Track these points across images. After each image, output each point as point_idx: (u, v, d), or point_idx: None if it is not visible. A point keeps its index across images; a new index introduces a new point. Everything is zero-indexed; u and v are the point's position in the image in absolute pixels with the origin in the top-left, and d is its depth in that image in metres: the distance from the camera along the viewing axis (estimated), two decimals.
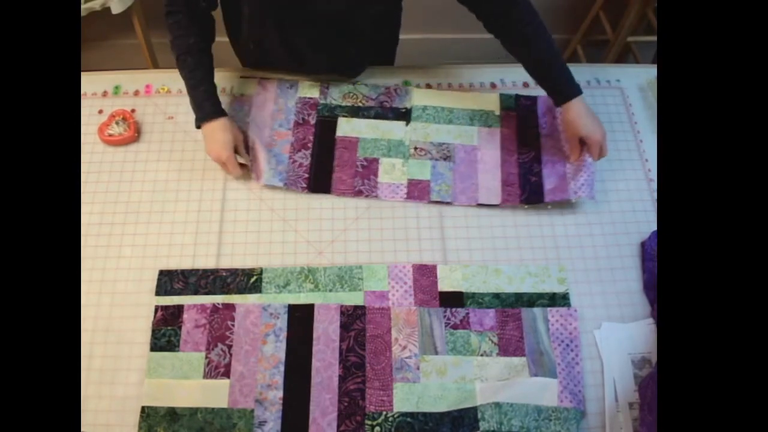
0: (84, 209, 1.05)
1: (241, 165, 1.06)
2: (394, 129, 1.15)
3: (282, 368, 0.93)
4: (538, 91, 1.14)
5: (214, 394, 0.91)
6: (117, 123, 1.12)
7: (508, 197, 1.09)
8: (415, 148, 1.12)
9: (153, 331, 0.95)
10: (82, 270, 1.00)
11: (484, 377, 0.93)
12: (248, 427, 0.89)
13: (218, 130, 1.02)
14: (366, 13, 1.06)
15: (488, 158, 1.13)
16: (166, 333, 0.95)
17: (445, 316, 0.98)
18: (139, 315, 0.97)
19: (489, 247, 1.05)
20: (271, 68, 1.19)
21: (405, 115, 1.16)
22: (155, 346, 0.94)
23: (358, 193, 1.08)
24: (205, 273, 1.00)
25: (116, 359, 0.94)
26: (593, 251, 1.05)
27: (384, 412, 0.91)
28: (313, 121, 1.15)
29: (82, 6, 1.60)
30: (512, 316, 0.98)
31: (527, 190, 1.09)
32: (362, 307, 0.98)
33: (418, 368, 0.94)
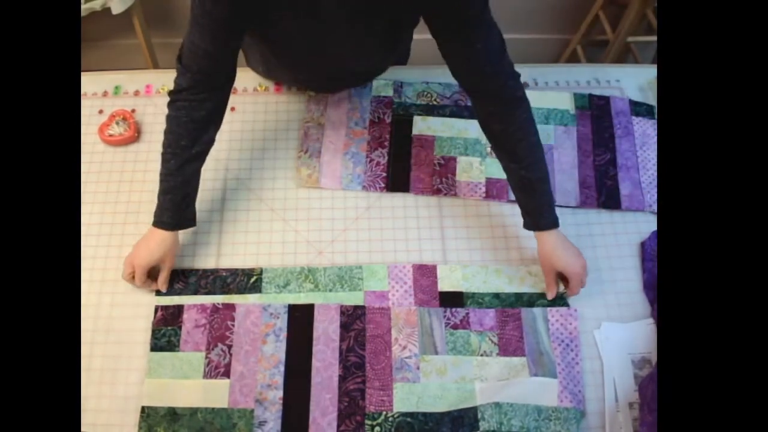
0: (84, 209, 1.05)
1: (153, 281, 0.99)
2: (469, 127, 1.14)
3: (282, 368, 0.93)
4: (610, 91, 1.16)
5: (214, 394, 0.91)
6: (117, 123, 1.12)
7: (586, 200, 1.09)
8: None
9: (153, 331, 0.95)
10: (82, 270, 1.00)
11: (484, 377, 0.93)
12: (248, 427, 0.89)
13: (156, 240, 0.93)
14: (376, 56, 1.07)
15: (565, 159, 1.12)
16: (166, 333, 0.95)
17: (445, 316, 0.98)
18: (139, 315, 0.97)
19: (489, 247, 1.05)
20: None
21: None
22: (155, 346, 0.94)
23: (437, 192, 1.09)
24: (205, 273, 1.00)
25: (116, 359, 0.94)
26: (593, 251, 1.04)
27: (384, 412, 0.91)
28: (388, 120, 1.15)
29: (82, 6, 1.60)
30: (512, 316, 0.98)
31: (604, 194, 1.09)
32: (362, 307, 0.98)
33: (418, 368, 0.94)
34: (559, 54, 2.23)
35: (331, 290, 1.00)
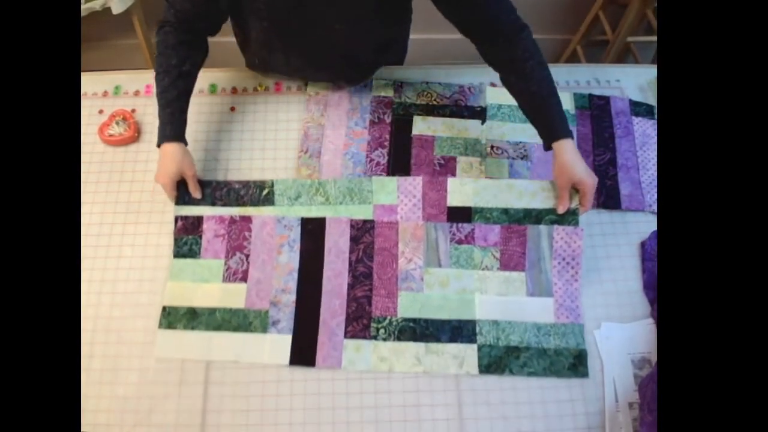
0: (84, 209, 1.05)
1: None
2: (469, 127, 1.15)
3: (295, 275, 0.99)
4: (610, 91, 1.17)
5: (232, 296, 0.97)
6: (117, 123, 1.12)
7: None
8: (492, 147, 1.12)
9: (175, 239, 1.01)
10: (82, 270, 1.00)
11: (484, 290, 0.98)
12: (263, 326, 0.95)
13: (168, 155, 0.98)
14: (368, 42, 1.07)
15: None
16: (187, 241, 1.01)
17: (450, 231, 1.01)
18: (139, 315, 0.97)
19: None
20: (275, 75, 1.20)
21: (480, 114, 1.16)
22: (178, 253, 1.00)
23: None
24: (219, 184, 1.05)
25: (116, 359, 0.94)
26: (593, 251, 1.04)
27: (389, 317, 0.96)
28: (388, 120, 1.15)
29: (82, 6, 1.60)
30: (517, 232, 1.00)
31: (603, 194, 1.09)
32: (371, 221, 1.02)
33: (422, 279, 0.98)
34: (559, 54, 2.23)
35: (341, 203, 1.03)
